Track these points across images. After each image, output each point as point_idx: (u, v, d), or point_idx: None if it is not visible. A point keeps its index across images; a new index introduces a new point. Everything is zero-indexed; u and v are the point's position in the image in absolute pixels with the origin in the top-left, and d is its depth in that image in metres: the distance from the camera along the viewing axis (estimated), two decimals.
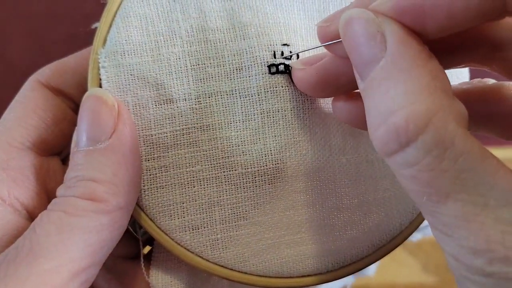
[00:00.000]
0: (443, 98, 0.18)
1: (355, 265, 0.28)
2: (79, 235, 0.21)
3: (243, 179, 0.26)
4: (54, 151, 0.27)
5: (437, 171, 0.17)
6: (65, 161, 0.28)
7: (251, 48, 0.26)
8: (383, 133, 0.18)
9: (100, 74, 0.25)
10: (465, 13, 0.18)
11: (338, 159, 0.27)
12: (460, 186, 0.17)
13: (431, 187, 0.18)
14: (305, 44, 0.27)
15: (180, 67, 0.26)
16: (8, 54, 0.51)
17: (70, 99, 0.27)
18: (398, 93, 0.18)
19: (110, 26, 0.25)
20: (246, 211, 0.26)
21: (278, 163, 0.26)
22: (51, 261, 0.20)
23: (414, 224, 0.28)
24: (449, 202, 0.17)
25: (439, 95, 0.18)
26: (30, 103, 0.26)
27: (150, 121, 0.25)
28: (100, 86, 0.25)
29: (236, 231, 0.26)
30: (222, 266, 0.26)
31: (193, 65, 0.26)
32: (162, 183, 0.25)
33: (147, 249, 0.29)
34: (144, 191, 0.25)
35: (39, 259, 0.20)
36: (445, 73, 0.19)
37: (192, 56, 0.26)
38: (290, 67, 0.26)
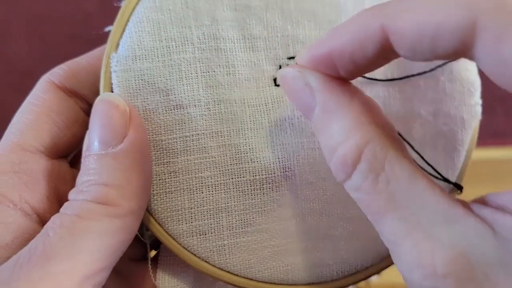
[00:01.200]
0: (370, 130, 0.21)
1: (361, 274, 0.28)
2: (92, 238, 0.21)
3: (251, 186, 0.26)
4: (64, 154, 0.27)
5: (374, 194, 0.20)
6: (72, 163, 0.28)
7: (259, 61, 0.26)
8: (333, 165, 0.21)
9: (111, 78, 0.25)
10: (365, 60, 0.21)
11: None
12: (394, 206, 0.20)
13: (372, 207, 0.20)
14: None
15: (191, 73, 0.26)
16: (8, 54, 0.51)
17: (83, 100, 0.27)
18: (334, 132, 0.21)
19: (123, 30, 0.26)
20: (253, 218, 0.26)
21: (286, 171, 0.26)
22: (64, 264, 0.20)
23: None
24: (388, 220, 0.20)
25: (367, 128, 0.21)
26: (43, 106, 0.26)
27: (160, 126, 0.26)
28: (112, 91, 0.25)
29: (243, 238, 0.26)
30: (227, 271, 0.27)
31: (204, 72, 0.26)
32: (171, 188, 0.26)
33: (153, 252, 0.29)
34: (153, 196, 0.25)
35: (51, 261, 0.20)
36: (372, 102, 0.22)
37: (203, 63, 0.26)
38: None
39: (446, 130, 0.28)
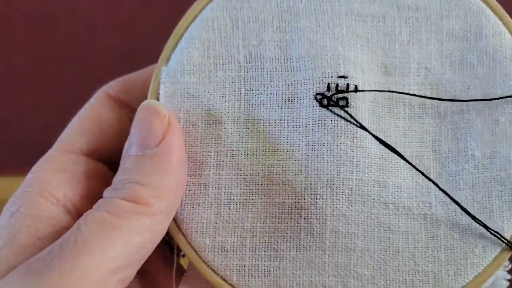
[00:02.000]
0: None
1: None
2: (121, 235, 0.22)
3: (279, 209, 0.26)
4: (108, 159, 0.29)
5: None
6: (114, 168, 0.29)
7: (305, 79, 0.26)
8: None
9: (159, 89, 0.27)
10: None
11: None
12: None
13: None
14: (366, 79, 0.26)
15: (234, 91, 0.26)
16: (8, 54, 0.52)
17: (134, 112, 0.29)
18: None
19: (175, 46, 0.27)
20: (277, 242, 0.26)
21: (317, 199, 0.25)
22: (93, 258, 0.21)
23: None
24: None
25: None
26: (95, 114, 0.28)
27: (197, 139, 0.26)
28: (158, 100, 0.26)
29: (264, 261, 0.26)
30: None
31: (247, 90, 0.26)
32: (200, 200, 0.26)
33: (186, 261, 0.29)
34: (181, 205, 0.26)
35: (82, 255, 0.21)
36: None
37: (247, 82, 0.26)
38: (343, 101, 0.25)
39: (504, 176, 0.25)
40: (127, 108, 0.29)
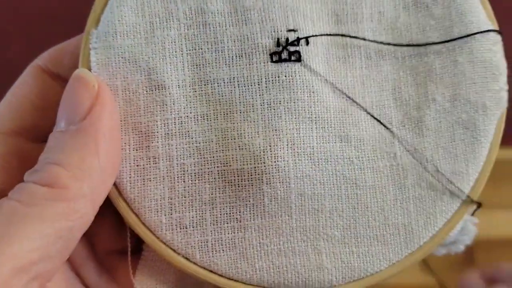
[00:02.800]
0: None
1: (364, 280, 0.25)
2: (31, 225, 0.19)
3: (238, 177, 0.24)
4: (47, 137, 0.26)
5: None
6: None
7: (252, 34, 0.24)
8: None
9: (90, 56, 0.23)
10: None
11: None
12: None
13: None
14: (316, 30, 0.24)
15: (175, 52, 0.24)
16: (8, 54, 0.51)
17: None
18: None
19: (105, 6, 0.24)
20: (240, 212, 0.24)
21: (278, 161, 0.24)
22: None
23: (435, 239, 0.25)
24: None
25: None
26: (24, 89, 0.25)
27: (140, 108, 0.23)
28: (90, 69, 0.23)
29: (228, 234, 0.24)
30: (211, 271, 0.24)
31: (190, 50, 0.24)
32: (150, 175, 0.23)
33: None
34: (130, 183, 0.23)
35: None
36: None
37: (188, 40, 0.24)
38: (295, 55, 0.23)
39: (465, 118, 0.25)
40: (60, 79, 0.26)
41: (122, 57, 0.23)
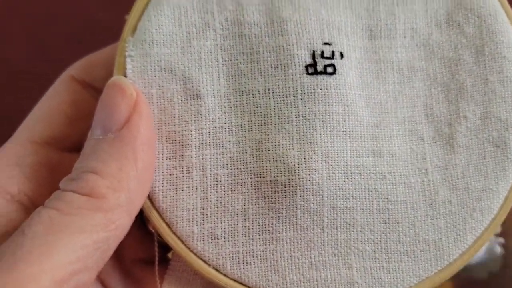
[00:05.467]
0: None
1: None
2: (70, 236, 0.19)
3: (271, 188, 0.23)
4: (78, 146, 0.26)
5: None
6: None
7: (288, 45, 0.24)
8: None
9: (126, 63, 0.23)
10: None
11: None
12: None
13: None
14: (350, 44, 0.25)
15: (211, 62, 0.24)
16: (8, 54, 0.50)
17: (100, 93, 0.26)
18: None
19: (142, 14, 0.24)
20: (272, 224, 0.24)
21: (313, 174, 0.23)
22: (31, 267, 0.18)
23: (465, 257, 0.25)
24: None
25: None
26: (56, 98, 0.25)
27: (175, 117, 0.23)
28: (125, 77, 0.23)
29: (260, 246, 0.23)
30: (241, 283, 0.23)
31: (225, 61, 0.24)
32: (183, 185, 0.23)
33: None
34: (162, 192, 0.23)
35: (19, 265, 0.18)
36: None
37: (224, 51, 0.24)
38: (330, 68, 0.24)
39: (496, 136, 0.25)
40: (92, 89, 0.26)
41: (158, 66, 0.23)
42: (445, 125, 0.25)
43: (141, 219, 0.25)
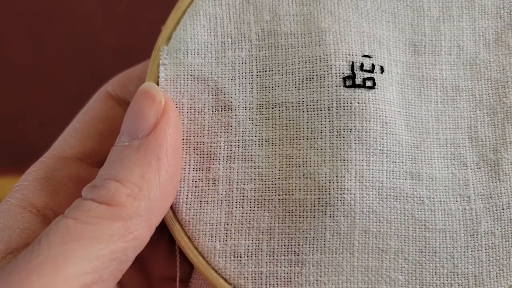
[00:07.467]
0: None
1: None
2: (86, 246, 0.18)
3: (300, 207, 0.22)
4: None
5: None
6: None
7: (326, 55, 0.23)
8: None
9: (159, 71, 0.23)
10: None
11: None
12: None
13: None
14: (392, 58, 0.23)
15: (245, 73, 0.23)
16: (7, 54, 0.51)
17: None
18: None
19: (178, 23, 0.24)
20: (299, 244, 0.22)
21: (344, 194, 0.22)
22: (44, 278, 0.17)
23: None
24: None
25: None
26: (90, 114, 0.25)
27: (204, 128, 0.23)
28: (158, 85, 0.23)
29: (284, 267, 0.22)
30: None
31: (259, 72, 0.23)
32: (208, 198, 0.22)
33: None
34: (186, 204, 0.22)
35: (32, 275, 0.17)
36: None
37: (259, 62, 0.23)
38: (370, 81, 0.23)
39: None
40: (127, 105, 0.26)
41: (191, 75, 0.23)
42: (490, 150, 0.23)
43: (170, 236, 0.24)
